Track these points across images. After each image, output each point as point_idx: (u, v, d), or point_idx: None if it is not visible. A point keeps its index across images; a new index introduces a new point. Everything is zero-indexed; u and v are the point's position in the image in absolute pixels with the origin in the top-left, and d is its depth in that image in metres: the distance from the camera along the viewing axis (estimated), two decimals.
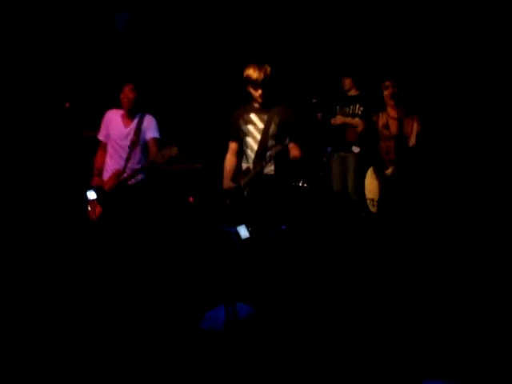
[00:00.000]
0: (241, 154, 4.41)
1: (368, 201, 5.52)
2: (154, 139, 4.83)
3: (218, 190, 4.44)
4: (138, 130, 4.83)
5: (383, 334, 3.10)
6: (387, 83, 5.47)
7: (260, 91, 4.17)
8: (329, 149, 6.86)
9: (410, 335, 3.07)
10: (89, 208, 4.72)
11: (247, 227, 3.51)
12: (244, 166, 4.31)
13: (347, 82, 6.14)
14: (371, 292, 3.77)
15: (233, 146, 4.44)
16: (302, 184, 6.04)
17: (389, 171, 5.33)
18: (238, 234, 3.50)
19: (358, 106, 6.05)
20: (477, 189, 5.28)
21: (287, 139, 4.00)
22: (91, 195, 4.65)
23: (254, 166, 4.15)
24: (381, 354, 2.88)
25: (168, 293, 3.92)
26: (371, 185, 5.49)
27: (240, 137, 4.36)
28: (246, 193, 4.13)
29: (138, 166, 4.82)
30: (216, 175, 4.81)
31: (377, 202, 5.40)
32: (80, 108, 5.20)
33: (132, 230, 4.73)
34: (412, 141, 5.24)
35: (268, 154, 4.13)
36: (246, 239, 3.49)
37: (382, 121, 5.49)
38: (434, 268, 4.07)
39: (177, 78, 7.67)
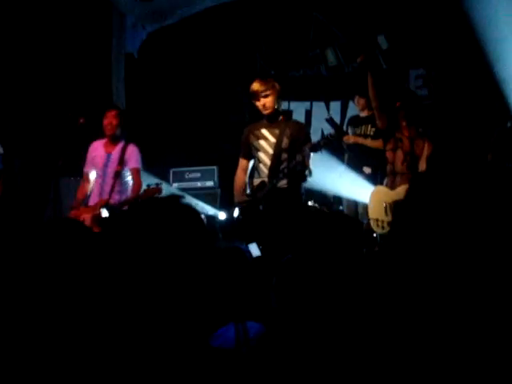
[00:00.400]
0: (250, 170, 4.48)
1: (372, 221, 5.45)
2: (136, 169, 4.96)
3: (231, 205, 4.43)
4: (122, 160, 4.88)
5: (395, 353, 3.07)
6: (400, 105, 5.50)
7: (262, 101, 4.24)
8: (341, 168, 6.86)
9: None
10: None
11: (259, 245, 3.52)
12: (257, 181, 4.36)
13: (361, 102, 6.15)
14: (381, 313, 3.72)
15: (243, 162, 4.50)
16: (313, 204, 6.03)
17: (400, 189, 5.29)
18: (249, 252, 3.50)
19: (369, 127, 6.06)
20: (490, 218, 5.18)
21: (306, 147, 4.09)
22: (104, 213, 4.70)
23: (270, 180, 4.20)
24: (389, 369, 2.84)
25: (177, 309, 3.90)
26: (376, 205, 5.44)
27: (251, 153, 4.42)
28: (261, 206, 4.19)
29: (123, 196, 4.86)
30: (228, 193, 4.83)
31: (381, 221, 5.33)
32: (94, 125, 5.23)
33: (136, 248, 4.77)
34: (422, 165, 5.21)
35: (283, 166, 4.19)
36: (257, 257, 3.49)
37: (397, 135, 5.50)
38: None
39: (192, 99, 7.75)
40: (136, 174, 4.94)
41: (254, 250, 3.49)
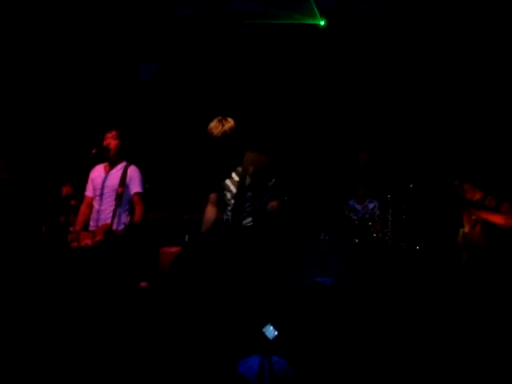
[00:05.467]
0: (220, 204, 4.34)
1: None
2: (138, 194, 4.76)
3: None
4: (123, 183, 4.72)
5: None
6: (457, 183, 5.60)
7: (217, 149, 4.08)
8: (350, 202, 6.91)
9: None
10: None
11: (274, 327, 3.44)
12: (224, 217, 4.24)
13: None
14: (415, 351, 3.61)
15: (213, 196, 4.36)
16: (324, 237, 6.02)
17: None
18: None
19: None
20: None
21: (264, 200, 4.09)
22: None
23: (232, 220, 4.12)
24: None
25: (206, 336, 3.81)
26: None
27: (219, 189, 4.28)
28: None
29: (122, 220, 4.72)
30: None
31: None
32: (106, 155, 5.15)
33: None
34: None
35: (247, 204, 4.11)
36: (274, 338, 3.42)
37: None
38: None
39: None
40: (137, 199, 4.76)
41: (270, 332, 3.43)
